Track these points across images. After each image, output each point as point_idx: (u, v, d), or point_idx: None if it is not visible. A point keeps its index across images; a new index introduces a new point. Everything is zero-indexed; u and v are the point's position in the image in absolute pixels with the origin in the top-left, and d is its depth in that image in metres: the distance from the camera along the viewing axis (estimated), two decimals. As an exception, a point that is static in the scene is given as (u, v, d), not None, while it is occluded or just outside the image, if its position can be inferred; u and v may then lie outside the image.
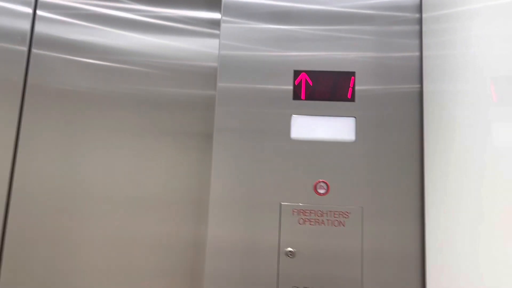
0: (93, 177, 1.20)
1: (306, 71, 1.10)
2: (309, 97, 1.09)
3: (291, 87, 1.09)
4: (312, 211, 1.03)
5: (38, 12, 1.28)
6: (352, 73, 1.09)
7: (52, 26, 1.27)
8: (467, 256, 1.00)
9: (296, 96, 1.09)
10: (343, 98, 1.08)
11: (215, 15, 1.26)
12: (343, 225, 1.02)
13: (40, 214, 1.19)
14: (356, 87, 1.08)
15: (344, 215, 1.03)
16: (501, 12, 1.09)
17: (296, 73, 1.10)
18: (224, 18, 1.15)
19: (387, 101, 1.08)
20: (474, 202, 1.02)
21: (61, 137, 1.23)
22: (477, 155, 1.04)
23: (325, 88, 1.09)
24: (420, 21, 1.11)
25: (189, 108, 1.23)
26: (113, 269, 1.17)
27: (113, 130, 1.23)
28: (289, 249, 1.02)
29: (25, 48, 1.26)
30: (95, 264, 1.17)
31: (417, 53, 1.10)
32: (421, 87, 1.08)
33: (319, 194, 1.04)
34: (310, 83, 1.10)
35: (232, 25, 1.14)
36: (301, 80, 1.10)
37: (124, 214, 1.18)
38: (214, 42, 1.23)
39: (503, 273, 0.98)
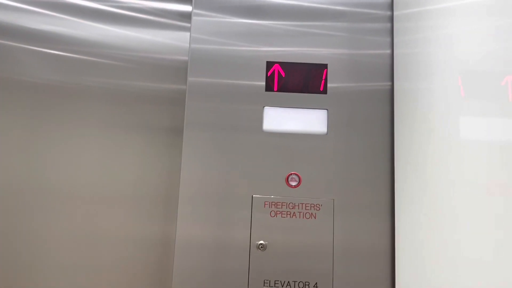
0: (59, 173, 1.16)
1: (279, 62, 1.09)
2: (282, 88, 1.08)
3: (263, 83, 1.08)
4: (284, 204, 1.02)
5: (-2, -1, 1.22)
6: (325, 66, 1.09)
7: (13, 14, 1.22)
8: (437, 250, 1.01)
9: (269, 87, 1.08)
10: (316, 90, 1.08)
11: (186, 8, 1.24)
12: (314, 217, 1.01)
13: (2, 211, 1.14)
14: (328, 84, 1.08)
15: (316, 207, 1.02)
16: (470, 10, 1.11)
17: (269, 64, 1.09)
18: (195, 11, 1.13)
19: (359, 97, 1.08)
20: (442, 197, 1.03)
21: (24, 131, 1.18)
22: (447, 151, 1.05)
23: (297, 80, 1.08)
24: (391, 19, 1.12)
25: (159, 102, 1.20)
26: (80, 267, 1.12)
27: (79, 124, 1.19)
28: (261, 242, 1.00)
29: (-17, 37, 1.20)
30: (60, 262, 1.13)
31: (389, 51, 1.11)
32: (392, 85, 1.09)
33: (291, 186, 1.03)
34: (283, 74, 1.09)
35: (203, 18, 1.12)
36: (273, 71, 1.09)
37: (92, 210, 1.14)
38: (185, 35, 1.20)
39: (471, 267, 0.99)
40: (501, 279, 0.98)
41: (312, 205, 1.02)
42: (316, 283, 1.00)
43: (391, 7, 1.13)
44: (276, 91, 1.08)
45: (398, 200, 1.03)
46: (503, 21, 1.10)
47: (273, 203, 1.02)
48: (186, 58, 1.15)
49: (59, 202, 1.14)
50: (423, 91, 1.09)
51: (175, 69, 1.21)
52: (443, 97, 1.07)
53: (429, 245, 1.01)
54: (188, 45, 1.13)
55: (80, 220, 1.14)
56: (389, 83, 1.09)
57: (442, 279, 1.00)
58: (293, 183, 1.03)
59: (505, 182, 1.02)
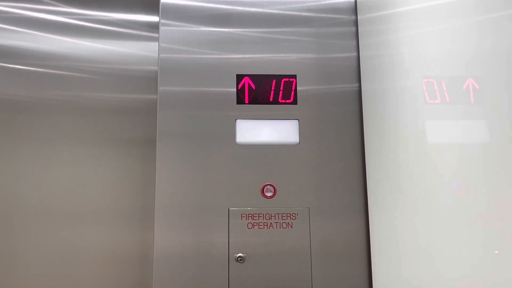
0: (31, 190, 1.14)
1: (248, 75, 1.10)
2: (253, 101, 1.09)
3: (234, 89, 1.09)
4: (260, 215, 1.03)
5: (-41, 15, 1.18)
6: (294, 76, 1.11)
7: (-25, 30, 1.19)
8: (408, 248, 1.06)
9: (240, 100, 1.09)
10: (286, 101, 1.09)
11: (153, 18, 1.23)
12: (291, 227, 1.03)
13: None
14: (298, 88, 1.09)
15: (292, 217, 1.03)
16: (426, 15, 1.15)
17: (239, 77, 1.10)
18: (162, 21, 1.12)
19: (328, 100, 1.10)
20: (412, 197, 1.08)
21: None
22: (415, 151, 1.09)
23: (268, 91, 1.09)
24: (356, 23, 1.15)
25: (131, 113, 1.19)
26: (56, 286, 1.11)
27: (49, 139, 1.17)
28: (239, 254, 1.01)
29: None
30: (35, 282, 1.11)
31: (355, 54, 1.13)
32: (360, 86, 1.11)
33: (267, 197, 1.04)
34: (253, 87, 1.10)
35: (171, 28, 1.12)
36: (244, 84, 1.10)
37: (65, 226, 1.13)
38: (154, 45, 1.20)
39: (442, 261, 1.05)
40: (469, 271, 1.04)
41: (288, 215, 1.04)
42: (296, 290, 1.02)
43: (355, 11, 1.15)
44: (248, 103, 1.09)
45: (371, 201, 1.06)
46: (462, 22, 1.15)
47: (249, 215, 1.03)
48: (156, 68, 1.15)
49: (33, 220, 1.13)
50: (387, 91, 1.13)
51: (146, 79, 1.20)
52: (406, 98, 1.11)
53: (403, 243, 1.05)
54: (157, 55, 1.12)
55: (55, 238, 1.13)
56: (357, 85, 1.11)
57: (417, 275, 1.04)
58: (269, 194, 1.04)
59: (472, 181, 1.07)
